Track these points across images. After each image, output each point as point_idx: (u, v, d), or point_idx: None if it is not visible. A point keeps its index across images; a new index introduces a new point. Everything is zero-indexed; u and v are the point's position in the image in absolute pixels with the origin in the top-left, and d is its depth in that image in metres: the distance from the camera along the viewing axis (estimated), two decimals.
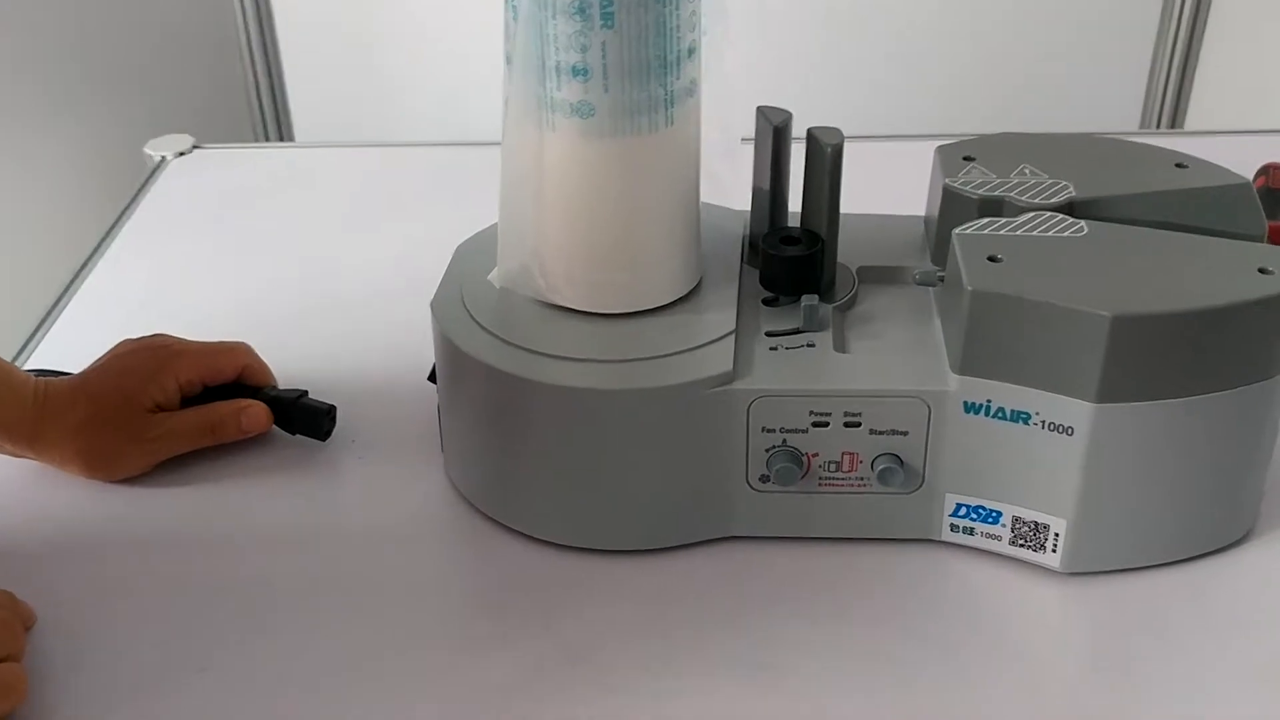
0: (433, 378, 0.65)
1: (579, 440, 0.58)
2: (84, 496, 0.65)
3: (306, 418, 0.67)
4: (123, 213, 0.95)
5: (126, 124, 1.18)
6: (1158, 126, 1.29)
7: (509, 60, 0.57)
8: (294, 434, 0.68)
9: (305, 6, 1.22)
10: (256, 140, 1.25)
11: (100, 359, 0.67)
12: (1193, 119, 1.29)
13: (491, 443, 0.61)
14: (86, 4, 1.20)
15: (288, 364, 0.71)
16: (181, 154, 1.03)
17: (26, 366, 0.75)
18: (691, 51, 0.57)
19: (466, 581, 0.59)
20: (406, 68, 1.21)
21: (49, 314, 0.82)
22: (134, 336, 0.69)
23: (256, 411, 0.67)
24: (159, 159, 1.02)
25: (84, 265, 0.88)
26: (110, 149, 1.23)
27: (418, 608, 0.59)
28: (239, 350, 0.69)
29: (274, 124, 1.25)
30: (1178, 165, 0.64)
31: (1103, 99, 1.28)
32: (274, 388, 0.69)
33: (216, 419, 0.66)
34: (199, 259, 0.88)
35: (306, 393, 0.68)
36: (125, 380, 0.66)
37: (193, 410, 0.66)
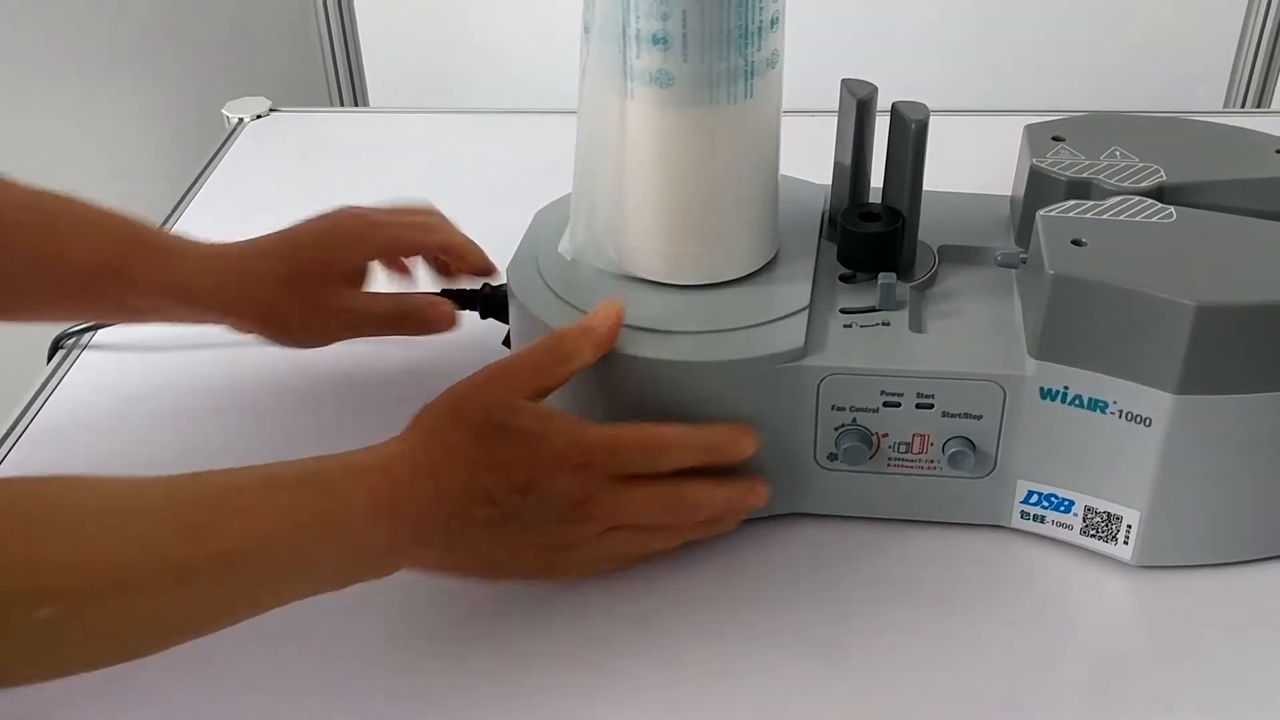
0: (507, 342, 0.65)
1: (649, 411, 0.58)
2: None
3: None
4: (201, 173, 0.96)
5: (204, 86, 1.20)
6: (1243, 106, 1.25)
7: (587, 29, 0.57)
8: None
9: None
10: (332, 105, 1.26)
11: (290, 227, 0.66)
12: None
13: (563, 410, 0.61)
14: None
15: None
16: (259, 116, 1.04)
17: None
18: (774, 22, 0.57)
19: None
20: (481, 34, 1.21)
21: None
22: None
23: (444, 311, 0.66)
24: (237, 121, 1.03)
25: (163, 224, 0.89)
26: (188, 110, 1.25)
27: None
28: (436, 226, 0.67)
29: (349, 88, 1.26)
30: (1278, 151, 0.62)
31: (1186, 75, 1.24)
32: (489, 286, 0.68)
33: (405, 309, 0.66)
34: (276, 221, 0.89)
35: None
36: (320, 250, 0.65)
37: (386, 295, 0.66)
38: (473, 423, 0.53)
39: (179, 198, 0.93)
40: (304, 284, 0.64)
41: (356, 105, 1.27)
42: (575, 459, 0.53)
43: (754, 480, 0.58)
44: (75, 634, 0.43)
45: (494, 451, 0.52)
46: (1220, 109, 1.23)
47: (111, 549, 0.44)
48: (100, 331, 0.76)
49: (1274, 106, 1.24)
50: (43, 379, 0.73)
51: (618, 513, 0.54)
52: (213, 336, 0.67)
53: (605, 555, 0.56)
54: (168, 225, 0.89)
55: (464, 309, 0.69)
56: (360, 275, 0.65)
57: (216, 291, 0.64)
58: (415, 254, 0.67)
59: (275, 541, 0.47)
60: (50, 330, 0.76)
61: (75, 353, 0.75)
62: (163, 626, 0.45)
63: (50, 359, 0.75)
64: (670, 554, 0.58)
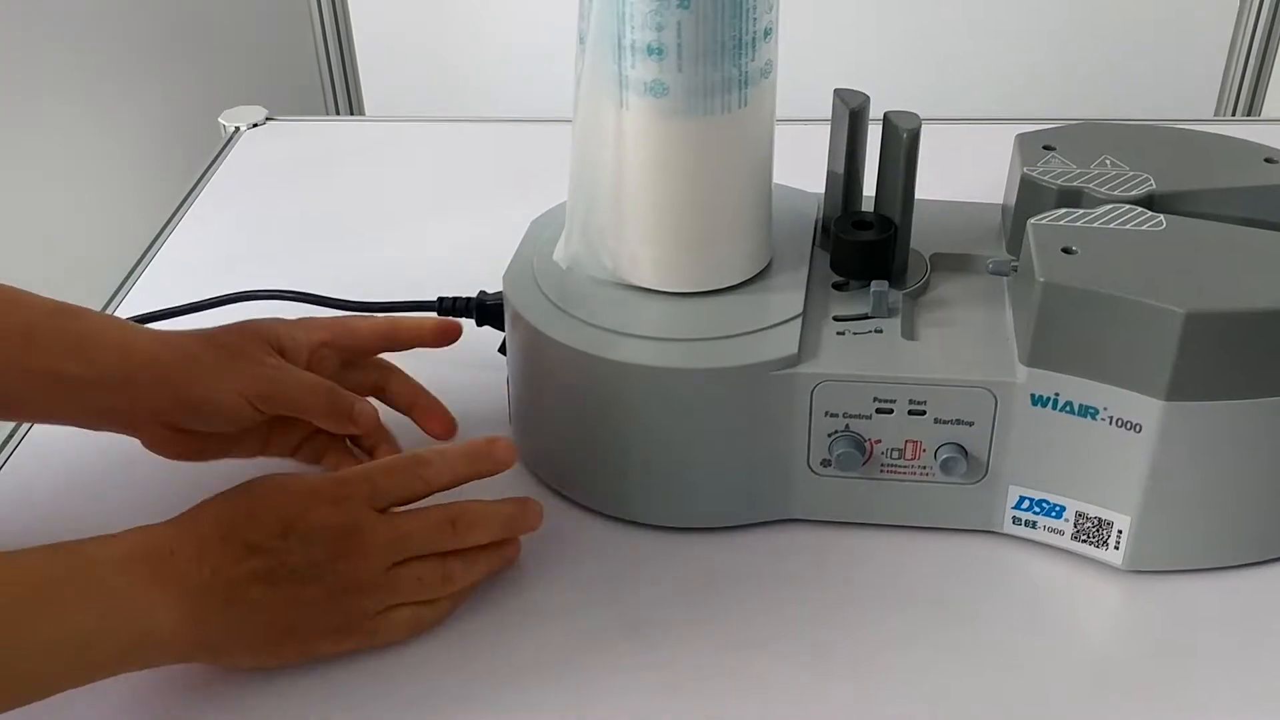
0: (503, 350, 0.65)
1: (643, 417, 0.59)
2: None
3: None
4: (197, 182, 0.96)
5: (200, 94, 1.20)
6: (1233, 114, 1.26)
7: (582, 39, 0.57)
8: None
9: None
10: (328, 113, 1.27)
11: None
12: (1270, 106, 1.25)
13: (558, 417, 0.62)
14: None
15: None
16: (255, 125, 1.04)
17: None
18: (768, 33, 0.57)
19: (530, 551, 0.59)
20: (477, 43, 1.22)
21: (125, 281, 0.84)
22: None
23: (368, 411, 0.61)
24: (233, 129, 1.03)
25: (160, 232, 0.90)
26: (185, 119, 1.25)
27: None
28: (380, 320, 0.66)
29: (345, 97, 1.26)
30: (1267, 160, 0.63)
31: (1177, 84, 1.25)
32: (484, 293, 0.69)
33: (333, 391, 0.60)
34: (273, 228, 0.90)
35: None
36: (248, 323, 0.61)
37: (314, 376, 0.61)
38: (229, 492, 0.53)
39: (175, 206, 0.93)
40: (230, 335, 0.60)
41: (353, 114, 1.27)
42: (331, 491, 0.53)
43: (525, 498, 0.58)
44: None
45: (247, 502, 0.52)
46: (1210, 117, 1.24)
47: None
48: None
49: (1264, 115, 1.24)
50: None
51: (393, 542, 0.53)
52: None
53: (408, 606, 0.54)
54: (164, 233, 0.89)
55: (459, 316, 0.70)
56: (294, 354, 0.61)
57: (129, 340, 0.58)
58: (352, 339, 0.64)
59: (28, 610, 0.46)
60: None
61: None
62: None
63: None
64: (462, 597, 0.56)
